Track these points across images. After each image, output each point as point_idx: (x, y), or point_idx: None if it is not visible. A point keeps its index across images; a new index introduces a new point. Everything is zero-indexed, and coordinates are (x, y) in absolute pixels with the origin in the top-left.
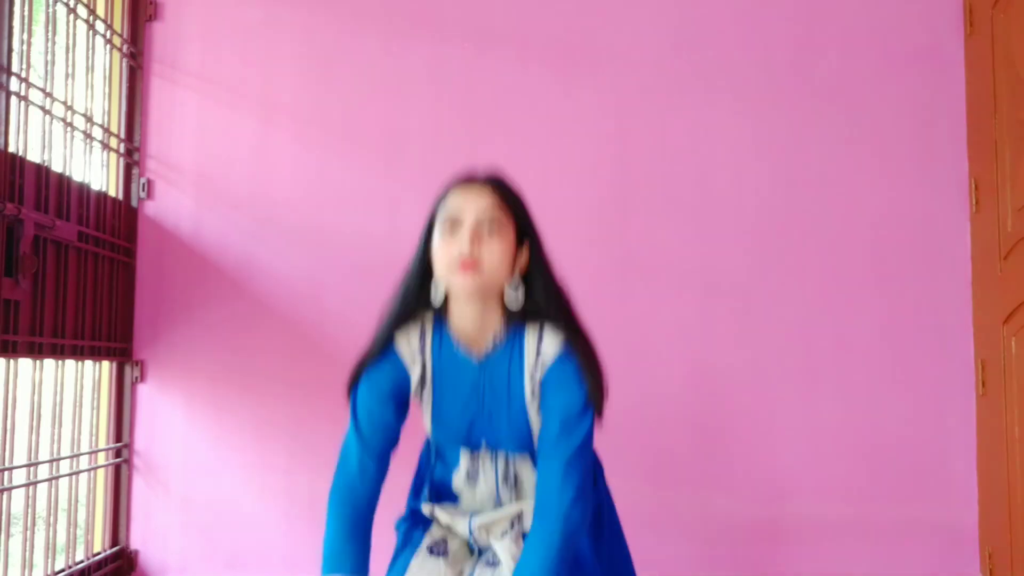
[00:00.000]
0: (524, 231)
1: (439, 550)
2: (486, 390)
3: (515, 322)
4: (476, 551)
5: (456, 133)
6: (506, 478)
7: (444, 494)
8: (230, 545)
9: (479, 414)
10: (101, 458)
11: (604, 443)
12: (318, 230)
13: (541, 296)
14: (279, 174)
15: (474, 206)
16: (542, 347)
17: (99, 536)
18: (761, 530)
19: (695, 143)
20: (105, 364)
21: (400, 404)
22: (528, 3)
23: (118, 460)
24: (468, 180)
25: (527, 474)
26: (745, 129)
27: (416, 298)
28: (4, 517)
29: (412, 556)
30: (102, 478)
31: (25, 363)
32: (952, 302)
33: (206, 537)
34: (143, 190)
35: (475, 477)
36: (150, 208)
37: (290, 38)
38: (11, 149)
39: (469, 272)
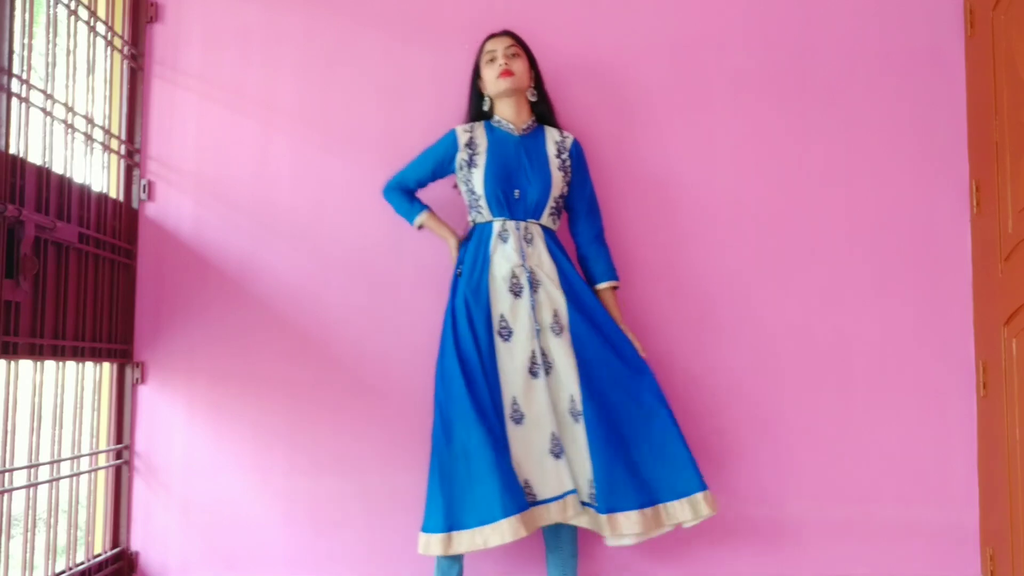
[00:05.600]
0: (532, 62)
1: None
2: (523, 152)
3: (536, 119)
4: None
5: None
6: (526, 237)
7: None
8: (231, 546)
9: (518, 167)
10: (102, 460)
11: None
12: (319, 231)
13: (543, 101)
14: (280, 176)
15: (502, 44)
16: (562, 136)
17: (100, 538)
18: (761, 530)
19: (695, 143)
20: (106, 366)
21: (435, 173)
22: (529, 4)
23: (119, 462)
24: (494, 34)
25: (537, 233)
26: (745, 129)
27: (476, 107)
28: (5, 519)
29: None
30: (103, 480)
31: (26, 364)
32: (953, 303)
33: (207, 538)
34: (144, 192)
35: (506, 237)
36: (151, 210)
37: (290, 40)
38: (12, 151)
39: (508, 76)
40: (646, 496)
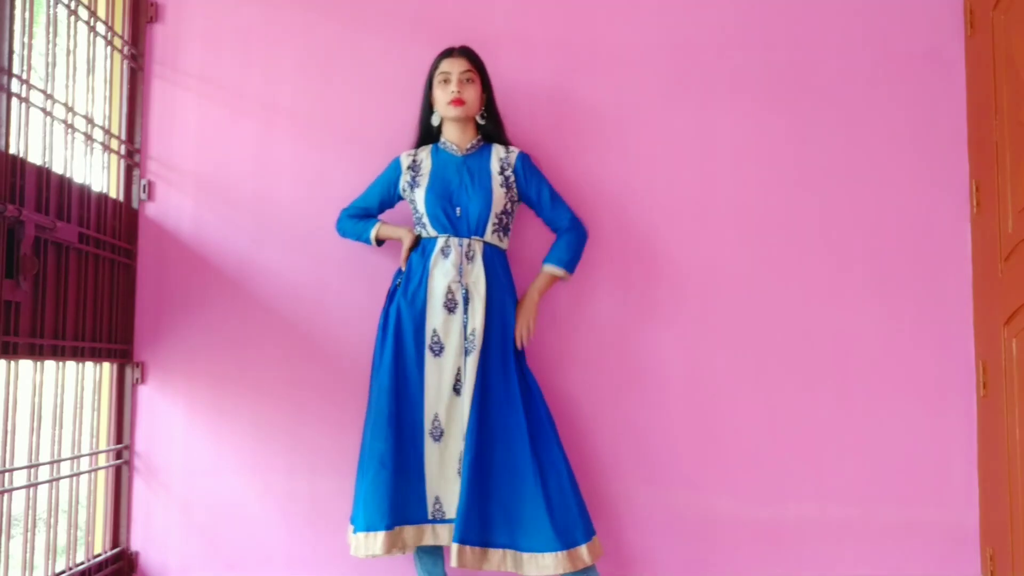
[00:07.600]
0: (485, 83)
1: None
2: (465, 171)
3: (483, 139)
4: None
5: None
6: (467, 254)
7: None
8: (231, 546)
9: (459, 186)
10: (102, 460)
11: (605, 443)
12: (319, 231)
13: (492, 121)
14: (280, 175)
15: (457, 67)
16: (507, 152)
17: (100, 538)
18: (761, 530)
19: (695, 143)
20: (106, 366)
21: (383, 200)
22: (529, 4)
23: (119, 462)
24: (450, 52)
25: (479, 250)
26: (745, 130)
27: (427, 125)
28: (5, 519)
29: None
30: (103, 480)
31: (26, 364)
32: (953, 303)
33: (207, 538)
34: (144, 191)
35: (448, 253)
36: (151, 209)
37: (290, 39)
38: (12, 151)
39: (458, 105)
40: (492, 536)
